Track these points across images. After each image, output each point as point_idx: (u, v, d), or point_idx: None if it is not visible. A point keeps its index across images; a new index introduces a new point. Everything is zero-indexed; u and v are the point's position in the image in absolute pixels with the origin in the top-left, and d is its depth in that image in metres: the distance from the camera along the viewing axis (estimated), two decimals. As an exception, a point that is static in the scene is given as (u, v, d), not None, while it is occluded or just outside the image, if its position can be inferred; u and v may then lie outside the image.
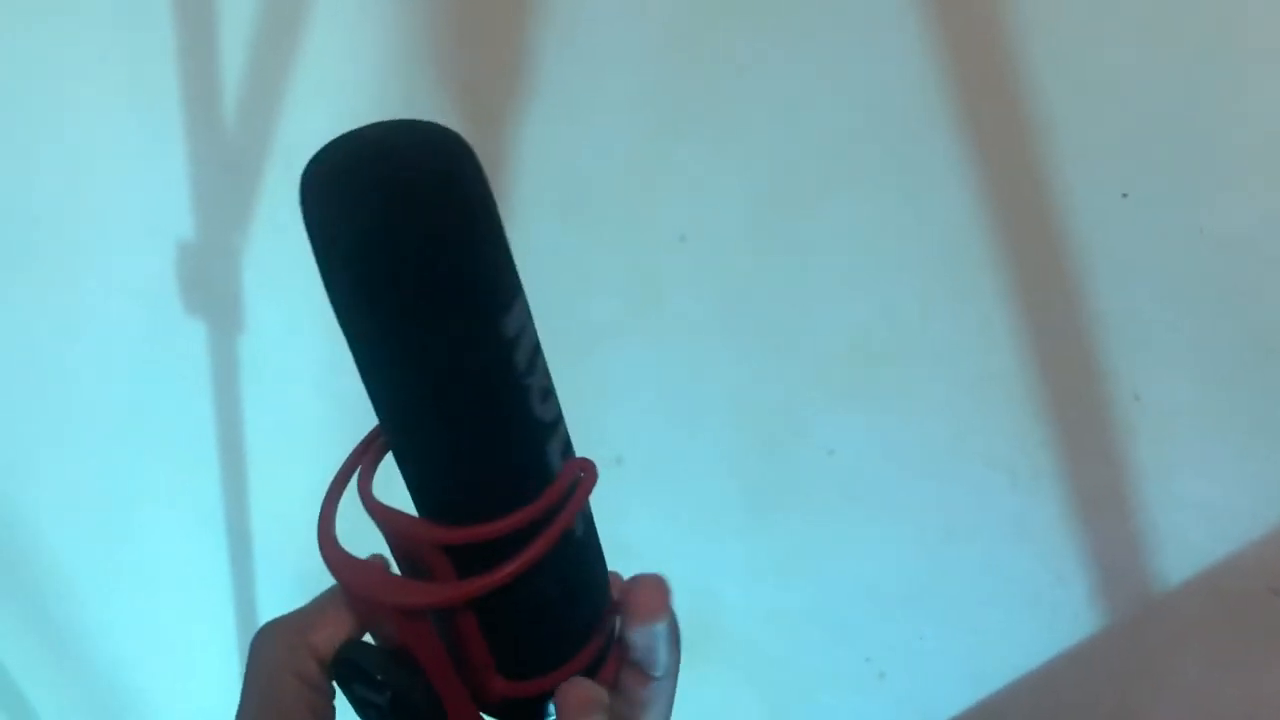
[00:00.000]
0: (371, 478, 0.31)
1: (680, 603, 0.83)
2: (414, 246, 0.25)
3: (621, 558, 0.82)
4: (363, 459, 0.32)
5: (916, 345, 0.67)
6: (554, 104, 0.69)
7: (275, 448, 0.86)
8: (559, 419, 0.31)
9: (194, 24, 0.73)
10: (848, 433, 0.71)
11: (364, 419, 0.93)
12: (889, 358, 0.68)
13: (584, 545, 0.34)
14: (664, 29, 0.65)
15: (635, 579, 0.36)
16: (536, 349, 0.30)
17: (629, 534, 0.83)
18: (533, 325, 0.29)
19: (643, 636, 0.35)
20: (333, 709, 0.31)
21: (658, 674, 0.36)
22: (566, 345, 0.75)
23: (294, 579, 0.90)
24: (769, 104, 0.65)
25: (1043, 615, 0.71)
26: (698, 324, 0.72)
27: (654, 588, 0.36)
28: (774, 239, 0.68)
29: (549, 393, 0.30)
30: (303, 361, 0.81)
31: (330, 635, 0.30)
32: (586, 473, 0.31)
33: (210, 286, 0.81)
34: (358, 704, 0.31)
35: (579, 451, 0.81)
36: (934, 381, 0.67)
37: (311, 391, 0.83)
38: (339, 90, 0.72)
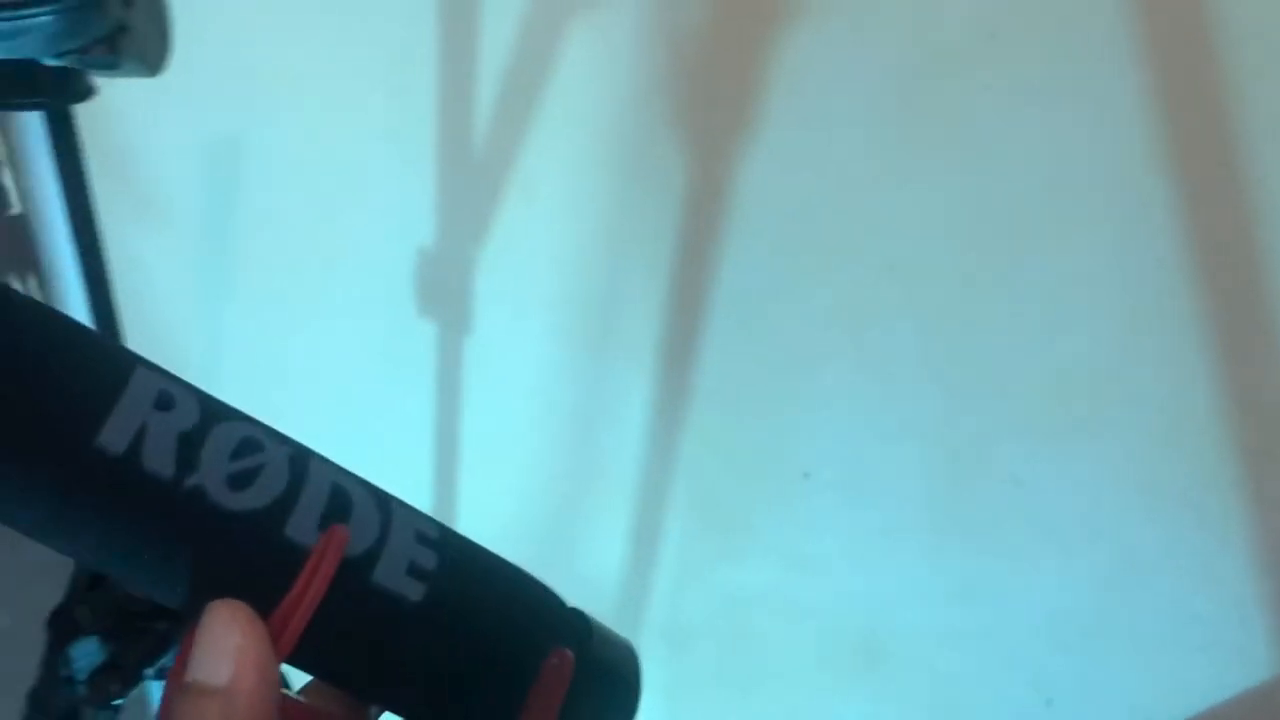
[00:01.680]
0: None
1: (856, 619, 0.87)
2: None
3: (801, 570, 0.87)
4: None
5: (1113, 384, 0.70)
6: (779, 144, 0.75)
7: (488, 447, 0.94)
8: (288, 491, 0.25)
9: (454, 63, 0.82)
10: (1037, 464, 0.75)
11: (577, 424, 1.01)
12: (1084, 394, 0.72)
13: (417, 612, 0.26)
14: (888, 77, 0.71)
15: None
16: (193, 439, 0.24)
17: (810, 547, 0.88)
18: (185, 409, 0.24)
19: None
20: None
21: None
22: (767, 365, 0.81)
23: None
24: (987, 150, 0.70)
25: (1221, 657, 0.73)
26: (898, 352, 0.77)
27: None
28: (981, 275, 0.73)
29: (251, 474, 0.25)
30: (522, 366, 0.89)
31: None
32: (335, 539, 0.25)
33: (443, 292, 0.90)
34: None
35: (769, 462, 0.87)
36: (1127, 419, 0.71)
37: (527, 395, 0.90)
38: (578, 124, 0.80)
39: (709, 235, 0.79)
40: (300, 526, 0.25)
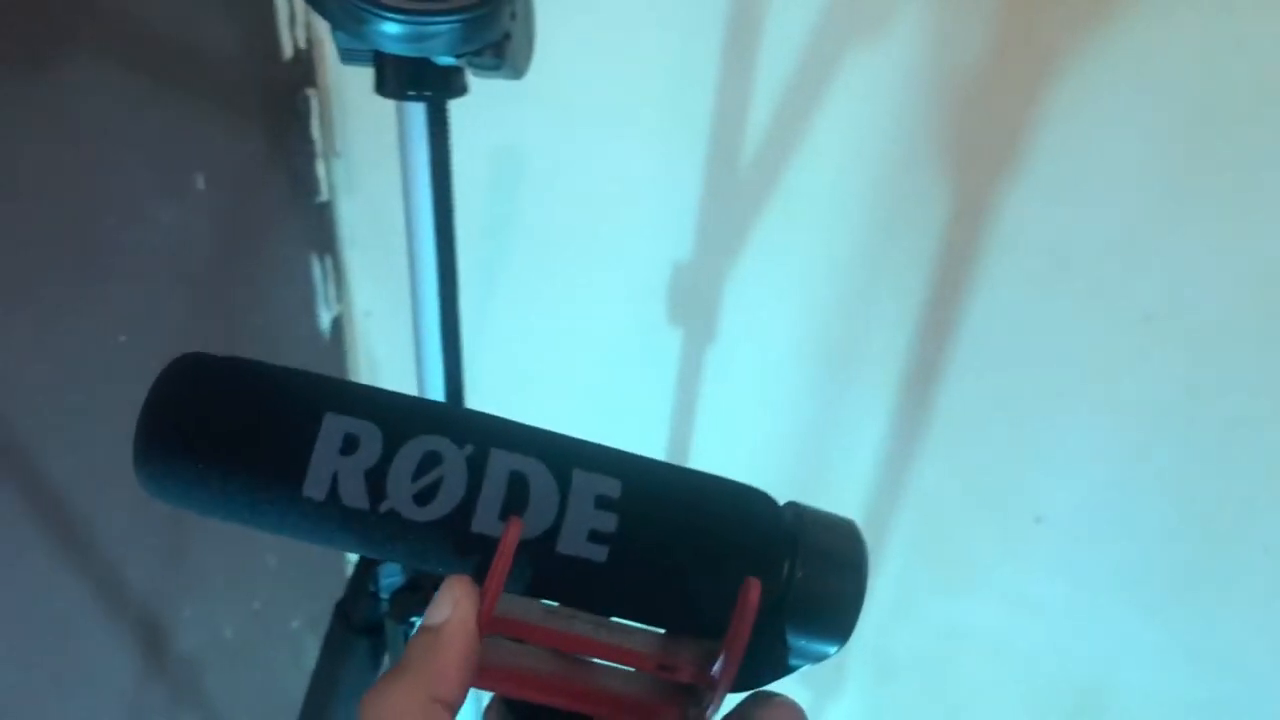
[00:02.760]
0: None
1: (1075, 672, 0.85)
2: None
3: (1022, 613, 0.86)
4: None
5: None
6: (1045, 181, 0.75)
7: (719, 453, 0.98)
8: (468, 494, 0.29)
9: (729, 83, 0.87)
10: (1296, 536, 0.72)
11: (810, 440, 1.03)
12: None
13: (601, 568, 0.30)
14: (1174, 122, 0.70)
15: (769, 699, 0.32)
16: (378, 471, 0.29)
17: (1034, 591, 0.86)
18: (369, 446, 0.29)
19: None
20: None
21: None
22: (1011, 402, 0.81)
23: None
24: (1267, 207, 0.68)
25: None
26: (1150, 403, 0.76)
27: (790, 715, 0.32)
28: (1245, 333, 0.71)
29: (433, 488, 0.29)
30: (761, 378, 0.93)
31: (459, 690, 0.29)
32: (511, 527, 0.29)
33: (693, 300, 0.94)
34: None
35: (1001, 501, 0.86)
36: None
37: (763, 406, 0.94)
38: (844, 148, 0.83)
39: (964, 267, 0.80)
40: (484, 521, 0.29)
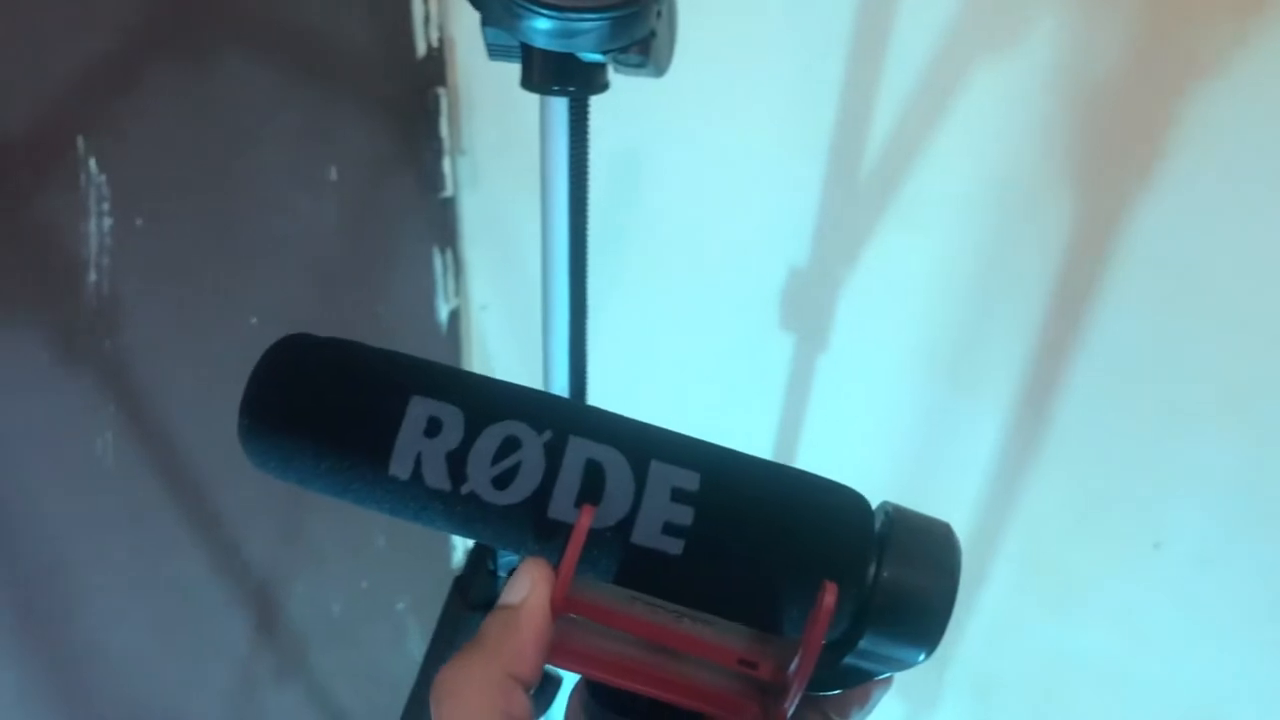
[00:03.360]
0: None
1: (1187, 704, 0.82)
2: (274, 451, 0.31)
3: (1133, 641, 0.84)
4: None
5: None
6: (1177, 200, 0.73)
7: (825, 459, 0.97)
8: (544, 481, 0.30)
9: (854, 92, 0.87)
10: None
11: (919, 452, 1.02)
12: None
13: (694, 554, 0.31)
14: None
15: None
16: (458, 455, 0.30)
17: (1148, 620, 0.84)
18: (451, 429, 0.30)
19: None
20: None
21: None
22: (1132, 425, 0.79)
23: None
24: None
25: None
26: (1283, 431, 0.73)
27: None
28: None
29: (511, 473, 0.30)
30: (872, 387, 0.92)
31: (534, 667, 0.29)
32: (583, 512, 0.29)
33: (808, 307, 0.94)
34: None
35: (1118, 525, 0.84)
36: None
37: (871, 415, 0.93)
38: (969, 161, 0.82)
39: (1088, 285, 0.79)
40: (560, 508, 0.30)
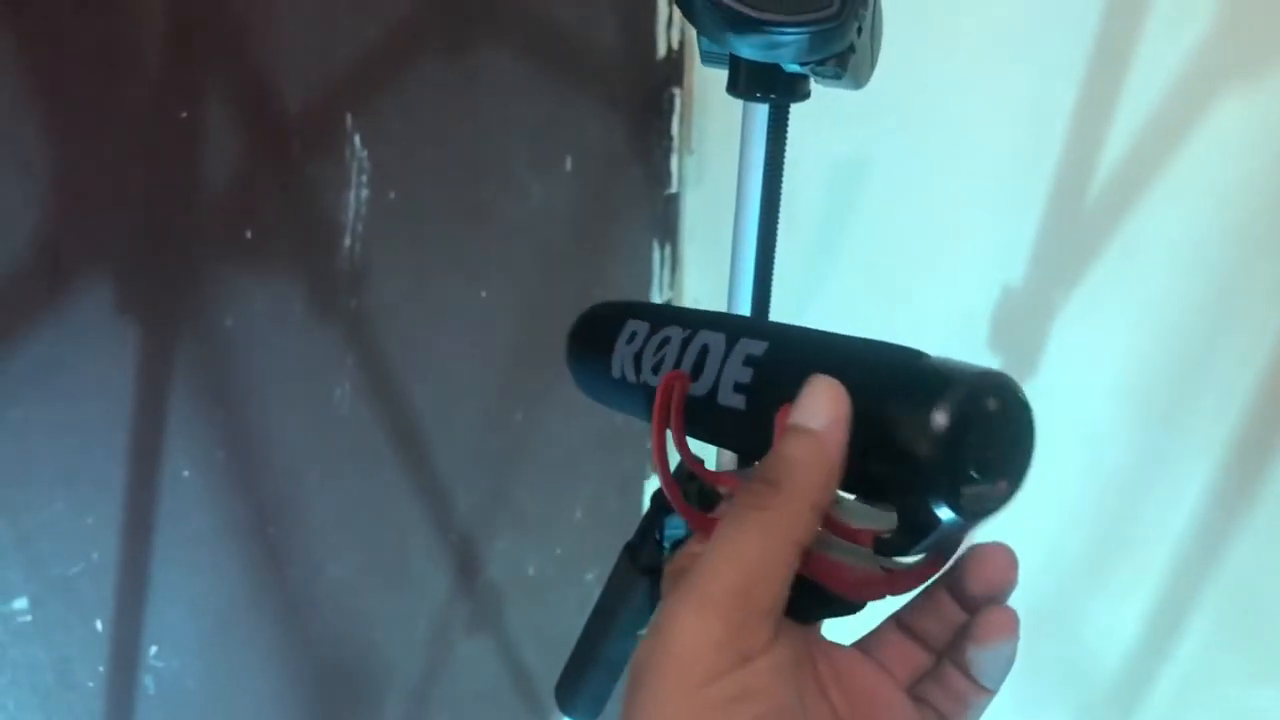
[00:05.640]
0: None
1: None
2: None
3: None
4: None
5: None
6: None
7: (1026, 491, 0.95)
8: (677, 363, 0.38)
9: (1086, 115, 0.85)
10: None
11: (1123, 491, 0.98)
12: None
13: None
14: None
15: (978, 547, 0.34)
16: (639, 355, 0.41)
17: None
18: (637, 340, 0.41)
19: (991, 660, 0.34)
20: None
21: (992, 688, 0.35)
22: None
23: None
24: None
25: None
26: None
27: (1001, 559, 0.34)
28: None
29: (659, 364, 0.39)
30: (1080, 419, 0.89)
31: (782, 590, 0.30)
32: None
33: (1018, 330, 0.93)
34: None
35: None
36: None
37: (1077, 448, 0.90)
38: (1203, 195, 0.78)
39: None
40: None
